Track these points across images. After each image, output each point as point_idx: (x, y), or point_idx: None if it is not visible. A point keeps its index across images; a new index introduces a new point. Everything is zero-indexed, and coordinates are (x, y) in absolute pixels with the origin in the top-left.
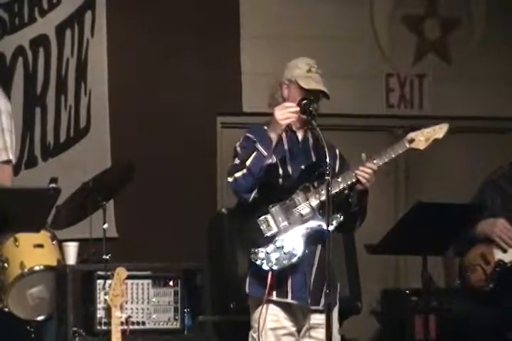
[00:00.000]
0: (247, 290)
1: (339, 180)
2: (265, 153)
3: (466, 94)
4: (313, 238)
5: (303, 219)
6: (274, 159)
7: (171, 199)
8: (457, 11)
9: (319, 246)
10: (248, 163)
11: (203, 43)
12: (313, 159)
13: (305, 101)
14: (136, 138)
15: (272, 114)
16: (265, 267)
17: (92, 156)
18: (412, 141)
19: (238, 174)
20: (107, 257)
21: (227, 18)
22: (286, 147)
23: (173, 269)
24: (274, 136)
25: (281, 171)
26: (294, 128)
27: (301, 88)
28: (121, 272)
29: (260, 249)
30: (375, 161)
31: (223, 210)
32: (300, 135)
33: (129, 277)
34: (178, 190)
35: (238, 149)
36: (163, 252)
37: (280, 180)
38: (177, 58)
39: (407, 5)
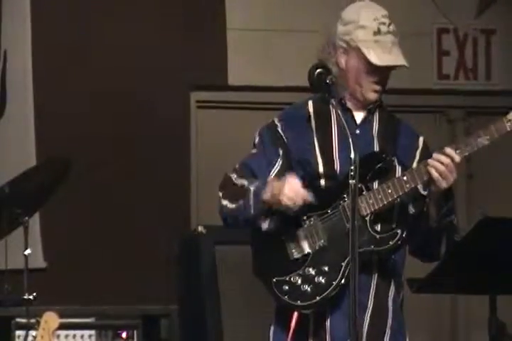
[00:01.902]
0: (270, 338)
1: (405, 178)
2: (251, 211)
3: None
4: (364, 265)
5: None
6: (264, 226)
7: (124, 212)
8: None
9: (375, 277)
10: (231, 207)
11: None
12: (376, 150)
13: (319, 70)
14: (73, 125)
15: (273, 89)
16: (290, 304)
17: (8, 150)
18: None
19: (224, 202)
20: (31, 297)
21: None
22: (335, 133)
23: (127, 315)
24: (267, 200)
25: (321, 168)
26: (350, 106)
27: (367, 61)
28: (51, 319)
29: (284, 279)
30: (457, 151)
31: (200, 228)
32: (359, 117)
33: (62, 326)
34: (134, 199)
35: (256, 140)
36: (112, 290)
37: (322, 181)
38: (134, 9)
39: None
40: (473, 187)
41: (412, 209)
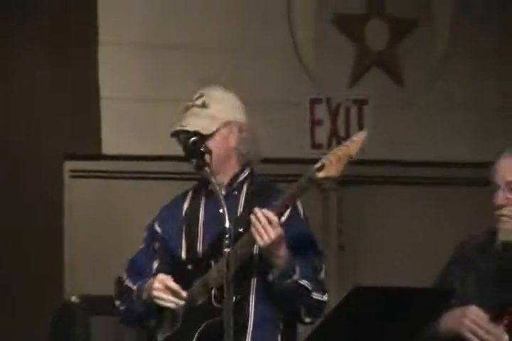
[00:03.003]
0: None
1: (238, 244)
2: (138, 309)
3: (425, 130)
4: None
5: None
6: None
7: None
8: (412, 10)
9: None
10: (122, 308)
11: (45, 54)
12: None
13: (193, 139)
14: None
15: (148, 158)
16: None
17: None
18: (321, 168)
19: (117, 302)
20: None
21: (80, 20)
22: (202, 217)
23: None
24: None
25: (184, 254)
26: (211, 180)
27: None
28: None
29: None
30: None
31: (73, 298)
32: (224, 191)
33: None
34: (6, 268)
35: (143, 236)
36: None
37: (189, 266)
38: (7, 74)
39: None
40: (345, 258)
41: (270, 277)
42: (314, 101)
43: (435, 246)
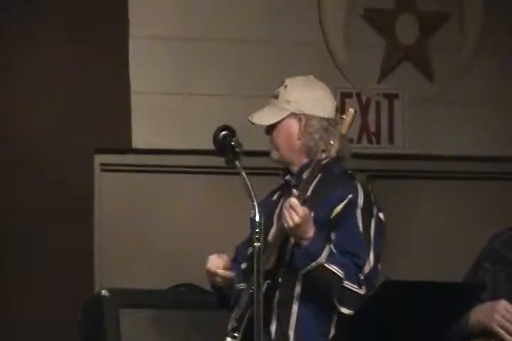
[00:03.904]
0: None
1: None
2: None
3: (456, 124)
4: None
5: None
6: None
7: (26, 277)
8: (443, 5)
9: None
10: None
11: (74, 48)
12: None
13: (224, 132)
14: None
15: (178, 152)
16: None
17: None
18: (323, 151)
19: None
20: None
21: (111, 14)
22: (278, 207)
23: None
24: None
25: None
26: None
27: None
28: None
29: None
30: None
31: (103, 292)
32: (294, 181)
33: None
34: (36, 264)
35: None
36: None
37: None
38: (35, 70)
39: None
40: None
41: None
42: (345, 95)
43: (463, 241)
